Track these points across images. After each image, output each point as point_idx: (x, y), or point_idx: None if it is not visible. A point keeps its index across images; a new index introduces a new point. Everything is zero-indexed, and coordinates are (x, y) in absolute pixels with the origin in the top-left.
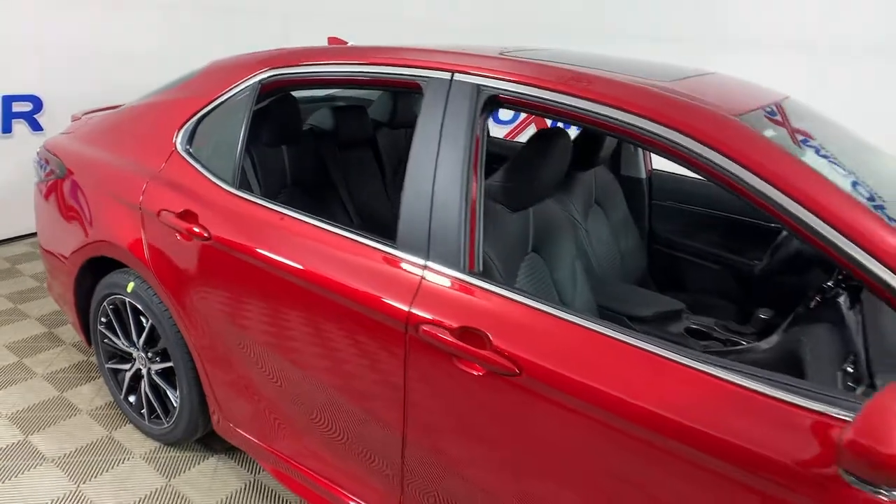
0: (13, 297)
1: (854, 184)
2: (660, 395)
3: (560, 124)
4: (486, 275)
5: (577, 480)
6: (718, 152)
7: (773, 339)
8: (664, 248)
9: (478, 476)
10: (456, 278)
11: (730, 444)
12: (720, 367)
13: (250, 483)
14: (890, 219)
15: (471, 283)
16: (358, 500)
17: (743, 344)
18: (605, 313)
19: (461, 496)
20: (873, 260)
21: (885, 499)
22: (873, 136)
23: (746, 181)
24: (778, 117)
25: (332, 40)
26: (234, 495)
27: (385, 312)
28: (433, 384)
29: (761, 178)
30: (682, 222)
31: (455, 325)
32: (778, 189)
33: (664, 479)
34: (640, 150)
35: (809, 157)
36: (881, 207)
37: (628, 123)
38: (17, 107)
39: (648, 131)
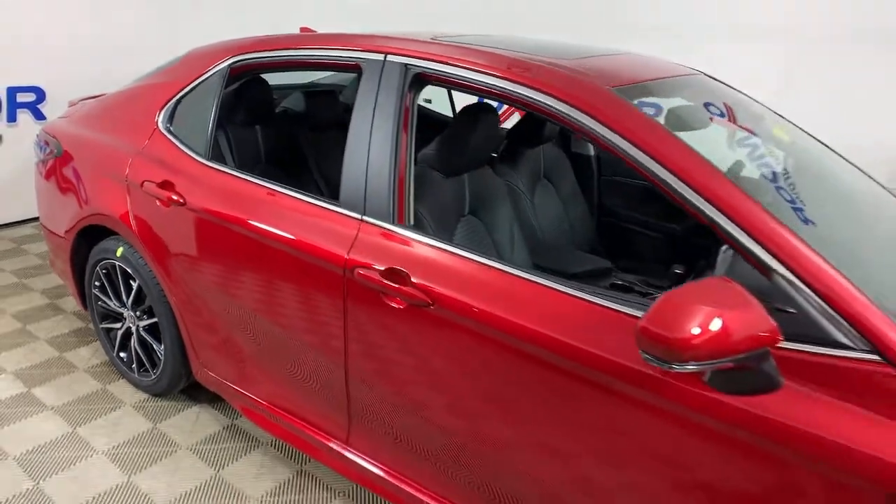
0: (18, 273)
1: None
2: (541, 316)
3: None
4: (418, 228)
5: (483, 391)
6: (589, 115)
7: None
8: (612, 218)
9: (407, 398)
10: (386, 229)
11: (597, 355)
12: (595, 294)
13: (228, 426)
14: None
15: (397, 233)
16: (314, 430)
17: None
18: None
19: (396, 419)
20: (720, 213)
21: (677, 370)
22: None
23: (613, 142)
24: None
25: (303, 30)
26: (213, 436)
27: (327, 260)
28: (366, 319)
29: (626, 139)
30: (627, 195)
31: (383, 267)
32: (641, 149)
33: (546, 384)
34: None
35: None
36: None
37: (519, 94)
38: (22, 97)
39: (532, 98)
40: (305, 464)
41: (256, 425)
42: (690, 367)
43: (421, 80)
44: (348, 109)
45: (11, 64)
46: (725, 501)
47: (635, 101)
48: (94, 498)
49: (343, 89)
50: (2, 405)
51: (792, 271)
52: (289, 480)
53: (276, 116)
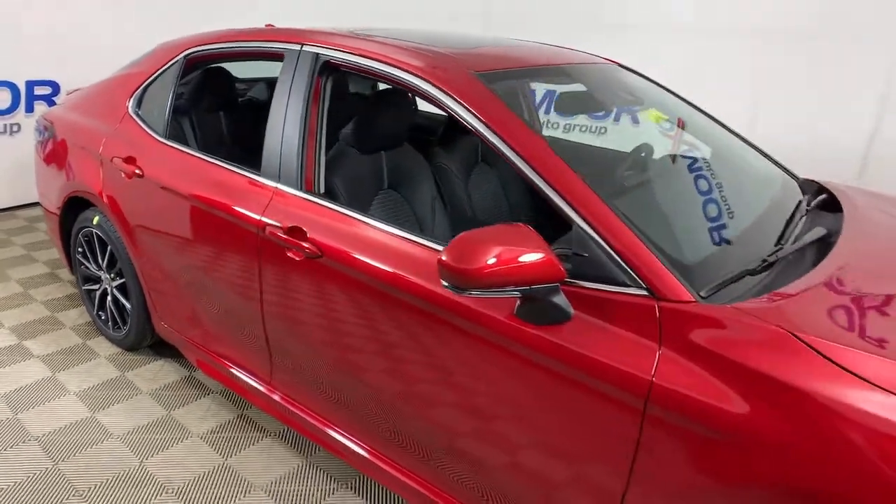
0: (27, 247)
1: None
2: (401, 263)
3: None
4: (331, 197)
5: (361, 329)
6: (445, 93)
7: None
8: None
9: (308, 340)
10: (293, 195)
11: (439, 294)
12: (437, 242)
13: (186, 377)
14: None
15: (302, 197)
16: (248, 374)
17: None
18: None
19: (304, 360)
20: (535, 173)
21: (468, 295)
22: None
23: (462, 115)
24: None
25: (268, 26)
26: (171, 384)
27: (246, 221)
28: (274, 271)
29: (471, 111)
30: None
31: (287, 225)
32: (481, 121)
33: (404, 320)
34: (535, 118)
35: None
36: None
37: (397, 76)
38: (38, 90)
39: (406, 79)
40: (247, 408)
41: (206, 374)
42: (476, 293)
43: (329, 66)
44: None
45: (30, 60)
46: (530, 412)
47: (500, 83)
48: (61, 427)
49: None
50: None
51: (587, 223)
52: (229, 422)
53: (242, 104)
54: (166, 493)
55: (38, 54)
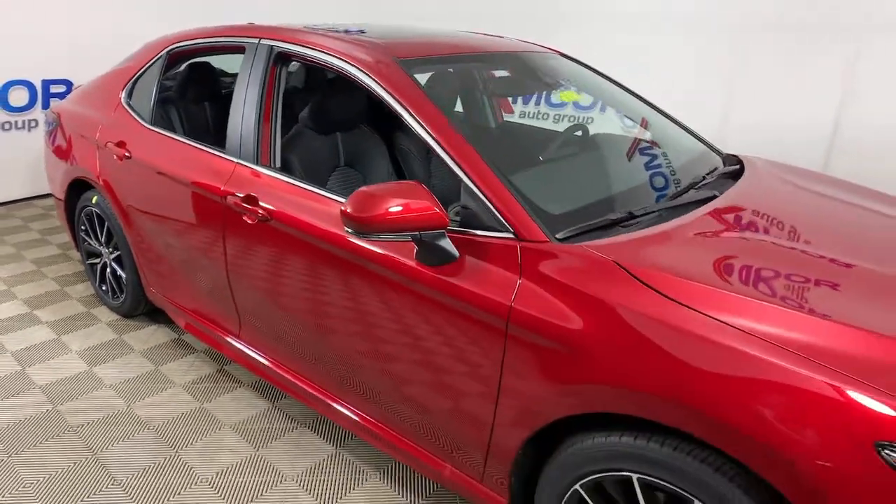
0: (42, 232)
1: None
2: (330, 220)
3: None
4: (287, 171)
5: (302, 280)
6: (368, 75)
7: None
8: None
9: (264, 294)
10: (251, 168)
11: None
12: None
13: (175, 339)
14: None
15: (257, 170)
16: (223, 331)
17: None
18: None
19: (263, 312)
20: (433, 140)
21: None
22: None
23: (382, 95)
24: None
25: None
26: (161, 344)
27: (212, 192)
28: (234, 234)
29: (388, 92)
30: None
31: (243, 194)
32: (395, 98)
33: (334, 267)
34: (487, 103)
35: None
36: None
37: (333, 63)
38: (54, 88)
39: (339, 66)
40: (226, 364)
41: (188, 332)
42: (373, 237)
43: (281, 57)
44: (297, 91)
45: (46, 60)
46: (429, 341)
47: (420, 67)
48: (61, 379)
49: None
50: (10, 320)
51: (471, 180)
52: (209, 375)
53: (225, 95)
54: (147, 429)
55: (53, 55)
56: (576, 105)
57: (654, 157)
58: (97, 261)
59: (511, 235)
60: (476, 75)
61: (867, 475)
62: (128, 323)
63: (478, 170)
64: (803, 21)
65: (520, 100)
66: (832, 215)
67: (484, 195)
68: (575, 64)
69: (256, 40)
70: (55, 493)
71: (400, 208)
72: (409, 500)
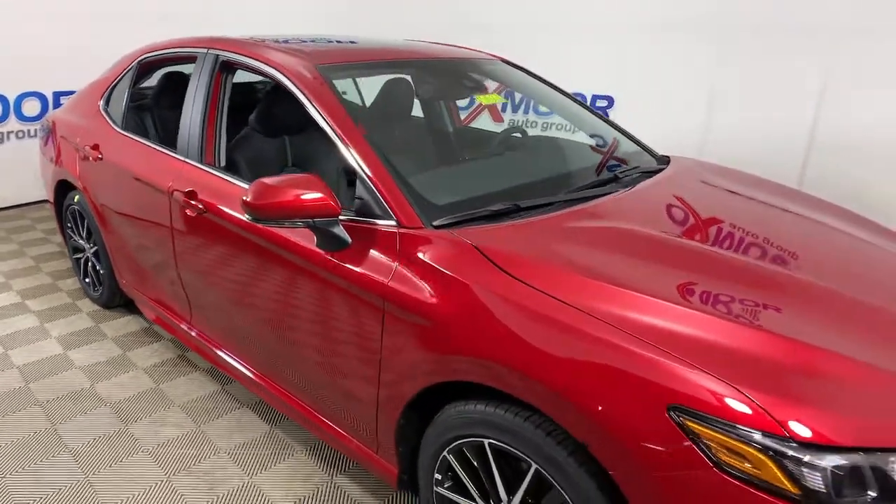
0: (45, 232)
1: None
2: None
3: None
4: (232, 170)
5: (232, 267)
6: (291, 81)
7: None
8: None
9: (202, 278)
10: (194, 166)
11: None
12: None
13: (145, 328)
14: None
15: (199, 168)
16: (179, 320)
17: None
18: None
19: (203, 295)
20: (336, 136)
21: (271, 226)
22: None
23: (300, 98)
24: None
25: None
26: (132, 332)
27: (161, 188)
28: (179, 227)
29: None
30: None
31: (186, 189)
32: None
33: (256, 254)
34: (444, 107)
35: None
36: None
37: (264, 69)
38: (64, 100)
39: (269, 71)
40: (187, 351)
41: (154, 322)
42: (270, 224)
43: (226, 65)
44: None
45: (57, 73)
46: (326, 322)
47: (340, 73)
48: (37, 360)
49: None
50: (3, 308)
51: (364, 173)
52: (170, 360)
53: None
54: (105, 405)
55: (63, 68)
56: (538, 112)
57: (572, 156)
58: (80, 256)
59: (394, 223)
60: (421, 82)
61: (661, 435)
62: (106, 313)
63: (371, 164)
64: (782, 24)
65: (509, 108)
66: (724, 211)
67: (374, 186)
68: (516, 70)
69: (205, 50)
70: (13, 457)
71: (294, 198)
72: (327, 474)
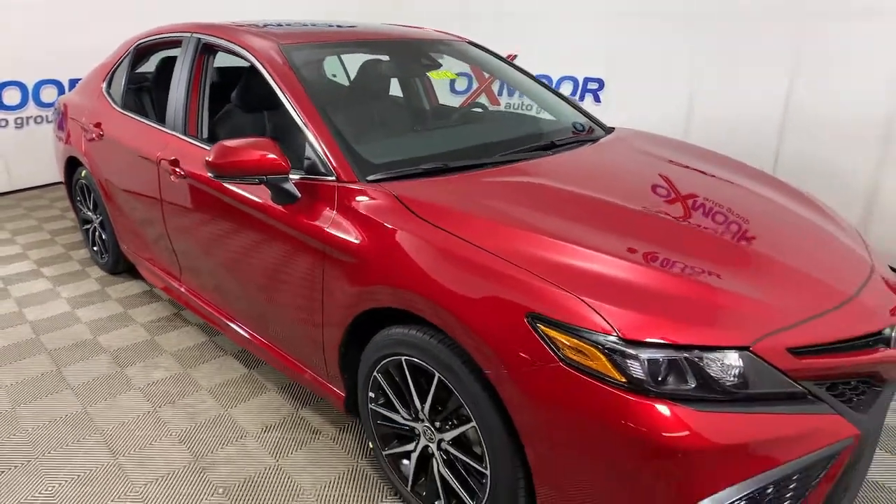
0: (63, 209)
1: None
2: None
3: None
4: (213, 142)
5: (210, 225)
6: (257, 59)
7: None
8: None
9: (187, 237)
10: (179, 138)
11: (235, 193)
12: None
13: (146, 290)
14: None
15: (182, 139)
16: (169, 277)
17: None
18: None
19: (189, 252)
20: (291, 105)
21: (232, 182)
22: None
23: (263, 74)
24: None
25: None
26: (134, 294)
27: (151, 158)
28: (166, 190)
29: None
30: None
31: (171, 158)
32: (270, 75)
33: (228, 213)
34: (421, 86)
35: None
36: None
37: (235, 49)
38: None
39: (239, 51)
40: (183, 309)
41: (151, 284)
42: (231, 180)
43: (206, 47)
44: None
45: (72, 62)
46: (283, 265)
47: (300, 52)
48: (49, 318)
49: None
50: (20, 274)
51: (312, 135)
52: (166, 317)
53: None
54: (104, 353)
55: (78, 57)
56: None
57: (520, 126)
58: (89, 227)
59: (334, 178)
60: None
61: (520, 338)
62: (111, 278)
63: (318, 128)
64: (751, 9)
65: (504, 92)
66: (632, 169)
67: (319, 148)
68: (479, 51)
69: (189, 34)
70: (23, 392)
71: (249, 158)
72: (294, 408)
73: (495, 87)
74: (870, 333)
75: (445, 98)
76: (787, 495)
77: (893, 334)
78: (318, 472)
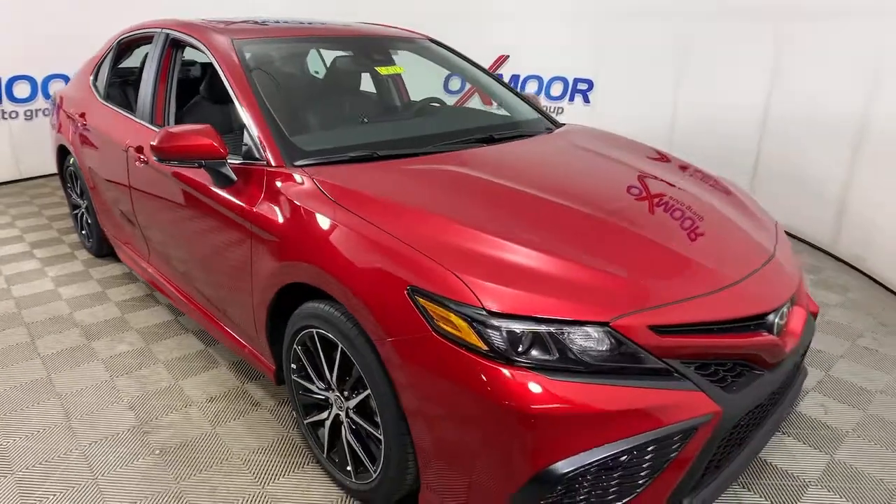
0: (62, 197)
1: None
2: None
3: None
4: None
5: (162, 206)
6: (211, 52)
7: None
8: None
9: (149, 217)
10: (146, 126)
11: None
12: None
13: (127, 272)
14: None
15: (149, 127)
16: (140, 258)
17: None
18: None
19: (151, 232)
20: (236, 96)
21: (173, 165)
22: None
23: (216, 66)
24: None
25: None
26: (115, 276)
27: (120, 144)
28: (132, 174)
29: (220, 65)
30: None
31: (136, 145)
32: (222, 69)
33: (172, 189)
34: (392, 84)
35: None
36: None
37: (193, 43)
38: None
39: (197, 45)
40: (154, 291)
41: (125, 264)
42: (173, 164)
43: (174, 42)
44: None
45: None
46: (221, 244)
47: (250, 46)
48: (32, 294)
49: None
50: (13, 255)
51: (251, 122)
52: (139, 297)
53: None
54: (76, 327)
55: (85, 54)
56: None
57: (469, 120)
58: (77, 212)
59: (265, 163)
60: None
61: (401, 310)
62: (96, 261)
63: (255, 117)
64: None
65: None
66: (556, 161)
67: (254, 135)
68: (440, 48)
69: (160, 30)
70: (3, 361)
71: (188, 143)
72: (240, 382)
73: (458, 85)
74: (750, 318)
75: (441, 96)
76: (644, 465)
77: (777, 321)
78: (250, 439)
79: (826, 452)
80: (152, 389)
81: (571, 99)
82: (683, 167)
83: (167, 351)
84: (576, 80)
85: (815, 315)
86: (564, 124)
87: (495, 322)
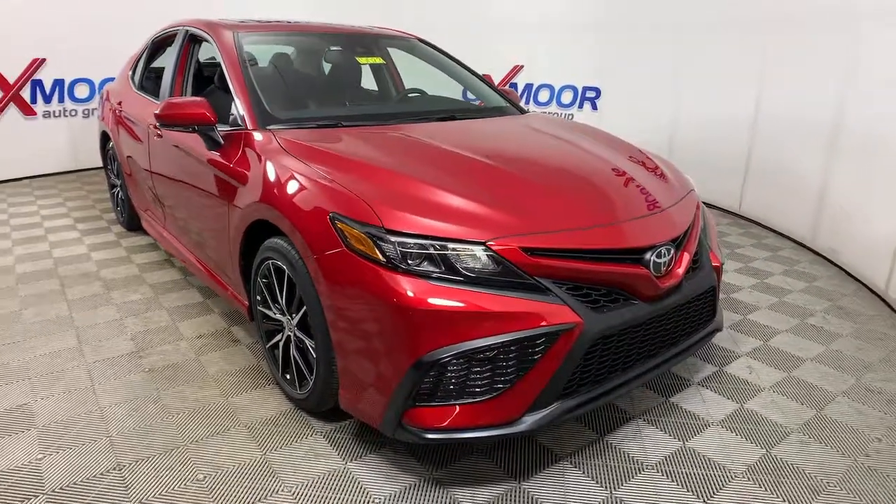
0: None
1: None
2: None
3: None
4: None
5: (173, 171)
6: (213, 41)
7: None
8: None
9: (164, 186)
10: (156, 103)
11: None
12: None
13: (152, 243)
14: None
15: (154, 102)
16: (158, 225)
17: None
18: None
19: (167, 200)
20: (228, 75)
21: (175, 130)
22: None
23: (218, 54)
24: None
25: None
26: (141, 245)
27: (145, 123)
28: (152, 146)
29: (221, 53)
30: None
31: (154, 123)
32: (222, 54)
33: (178, 155)
34: (389, 77)
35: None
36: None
37: (203, 37)
38: None
39: (206, 38)
40: (173, 258)
41: (149, 233)
42: (174, 129)
43: (192, 38)
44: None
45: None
46: (209, 197)
47: (250, 37)
48: (68, 256)
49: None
50: (60, 227)
51: (236, 97)
52: (158, 262)
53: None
54: (100, 281)
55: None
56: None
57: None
58: (115, 190)
59: (244, 127)
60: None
61: (324, 232)
62: (127, 234)
63: (241, 90)
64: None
65: None
66: (503, 136)
67: (240, 104)
68: (426, 46)
69: (182, 28)
70: (30, 301)
71: (184, 111)
72: (228, 326)
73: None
74: (623, 251)
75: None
76: (510, 362)
77: (653, 258)
78: (226, 364)
79: (737, 402)
80: (153, 327)
81: (581, 106)
82: (612, 140)
83: (172, 301)
84: (584, 89)
85: (717, 269)
86: (528, 111)
87: (392, 238)
